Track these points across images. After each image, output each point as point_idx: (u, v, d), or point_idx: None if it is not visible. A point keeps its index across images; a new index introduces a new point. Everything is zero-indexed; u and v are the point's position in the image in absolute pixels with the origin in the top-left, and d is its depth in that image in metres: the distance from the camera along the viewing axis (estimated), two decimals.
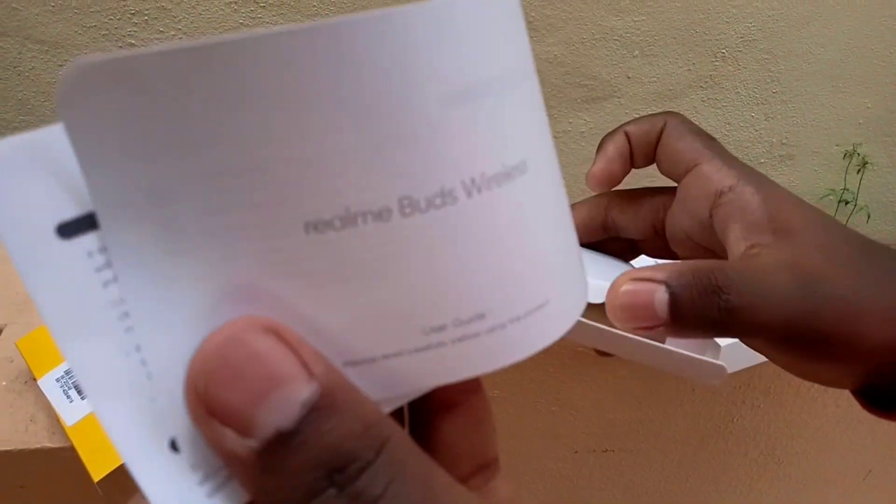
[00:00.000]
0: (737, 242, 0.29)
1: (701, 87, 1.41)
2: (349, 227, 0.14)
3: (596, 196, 0.36)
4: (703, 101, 1.43)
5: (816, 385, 0.67)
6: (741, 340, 0.31)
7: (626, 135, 0.35)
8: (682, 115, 0.35)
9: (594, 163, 0.35)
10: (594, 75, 1.36)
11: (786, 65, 1.41)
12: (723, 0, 1.30)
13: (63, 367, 0.45)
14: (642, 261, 0.39)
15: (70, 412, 0.42)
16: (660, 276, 0.27)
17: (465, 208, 0.14)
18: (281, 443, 0.13)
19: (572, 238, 0.19)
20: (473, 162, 0.15)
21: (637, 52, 1.34)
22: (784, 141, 1.53)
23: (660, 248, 0.37)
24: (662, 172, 0.34)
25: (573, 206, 0.36)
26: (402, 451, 0.14)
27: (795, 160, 1.57)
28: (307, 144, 0.13)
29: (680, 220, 0.33)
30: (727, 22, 1.32)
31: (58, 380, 0.44)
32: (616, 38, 1.32)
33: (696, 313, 0.27)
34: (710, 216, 0.31)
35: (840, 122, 1.52)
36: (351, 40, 0.14)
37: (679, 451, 0.71)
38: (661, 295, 0.26)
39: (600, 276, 0.31)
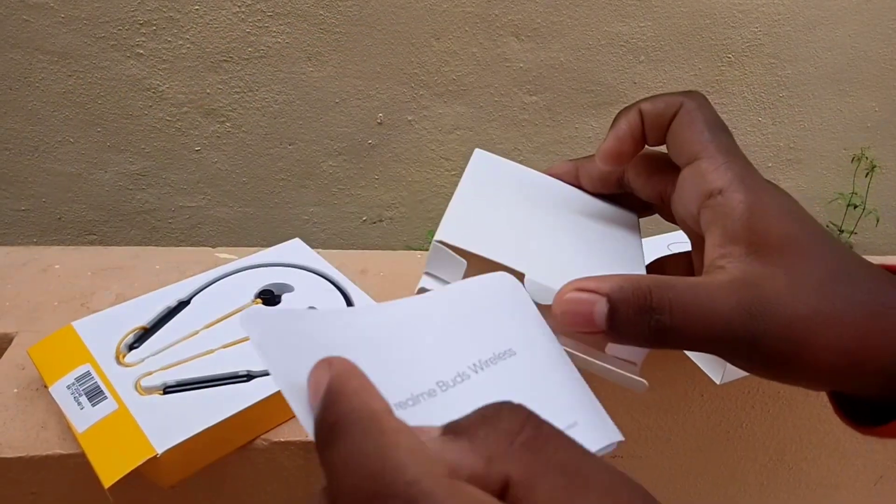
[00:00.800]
0: (711, 248, 0.30)
1: (707, 91, 1.40)
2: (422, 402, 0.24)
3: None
4: None
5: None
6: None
7: (641, 112, 0.34)
8: (702, 96, 0.33)
9: (605, 139, 0.35)
10: (600, 81, 1.36)
11: (792, 69, 1.41)
12: (729, 5, 1.30)
13: (74, 374, 0.44)
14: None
15: (81, 419, 0.41)
16: (604, 287, 0.28)
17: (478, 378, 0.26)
18: None
19: (582, 388, 0.28)
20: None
21: (643, 58, 1.34)
22: (791, 145, 1.52)
23: (668, 215, 0.36)
24: (671, 157, 0.34)
25: (591, 157, 0.36)
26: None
27: (803, 164, 1.56)
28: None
29: (678, 206, 0.33)
30: (733, 27, 1.32)
31: (69, 387, 0.43)
32: (622, 43, 1.32)
33: (631, 328, 0.28)
34: (699, 214, 0.31)
35: (847, 125, 1.52)
36: (441, 306, 0.28)
37: (688, 457, 0.71)
38: (601, 307, 0.28)
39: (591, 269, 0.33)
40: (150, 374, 0.43)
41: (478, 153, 0.39)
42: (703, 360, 0.56)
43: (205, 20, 1.19)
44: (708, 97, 0.32)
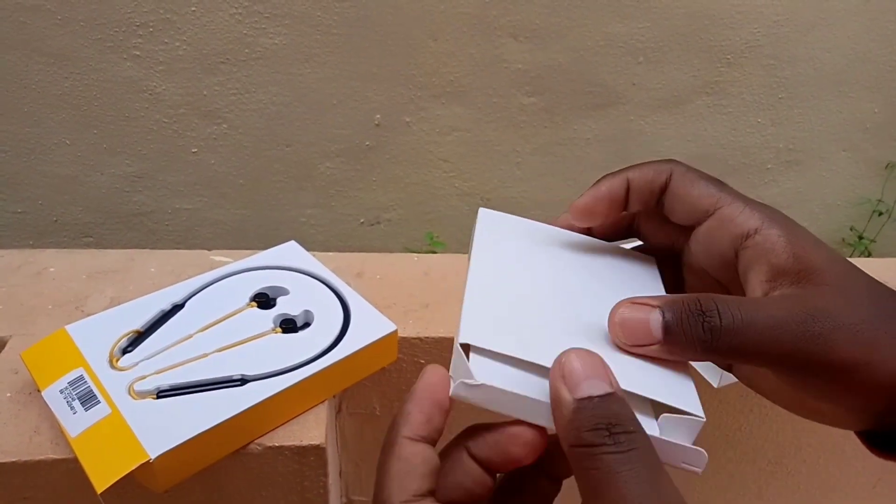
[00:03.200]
0: (758, 285, 0.31)
1: (707, 93, 1.40)
2: None
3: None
4: (708, 107, 1.42)
5: None
6: (742, 380, 0.34)
7: (627, 180, 0.34)
8: (684, 162, 0.35)
9: (582, 195, 0.36)
10: (599, 82, 1.36)
11: (791, 70, 1.41)
12: (728, 6, 1.29)
13: (67, 378, 0.44)
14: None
15: (74, 423, 0.41)
16: (654, 302, 0.30)
17: None
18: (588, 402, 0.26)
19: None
20: None
21: (642, 59, 1.34)
22: (791, 146, 1.52)
23: (671, 266, 0.37)
24: (674, 219, 0.34)
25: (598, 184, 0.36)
26: (647, 441, 0.26)
27: (802, 165, 1.56)
28: None
29: (701, 256, 0.34)
30: (732, 28, 1.32)
31: (62, 391, 0.43)
32: (621, 44, 1.32)
33: (685, 334, 0.29)
34: (736, 257, 0.32)
35: (847, 127, 1.51)
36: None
37: None
38: (655, 316, 0.29)
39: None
40: (143, 378, 0.43)
41: (483, 214, 0.38)
42: (701, 365, 0.56)
43: (202, 22, 1.19)
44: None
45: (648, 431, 0.27)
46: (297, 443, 0.44)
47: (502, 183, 1.43)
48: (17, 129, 1.25)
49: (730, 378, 0.49)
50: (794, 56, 1.39)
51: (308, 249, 0.65)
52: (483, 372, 0.29)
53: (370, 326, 0.50)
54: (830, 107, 1.48)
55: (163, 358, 0.44)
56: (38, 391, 0.46)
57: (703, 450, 0.29)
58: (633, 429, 0.25)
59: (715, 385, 0.51)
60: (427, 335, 0.54)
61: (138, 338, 0.46)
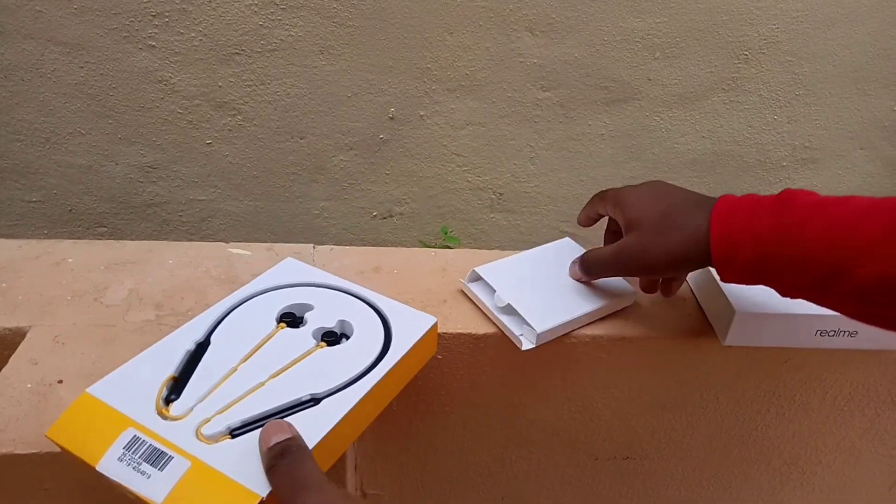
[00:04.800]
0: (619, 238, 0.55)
1: (723, 89, 1.39)
2: None
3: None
4: (724, 103, 1.41)
5: (843, 394, 0.66)
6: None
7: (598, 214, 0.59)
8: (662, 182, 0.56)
9: (582, 211, 0.60)
10: (615, 77, 1.35)
11: (809, 67, 1.39)
12: (746, 1, 1.28)
13: (119, 443, 0.39)
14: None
15: (154, 487, 0.37)
16: (579, 258, 0.58)
17: None
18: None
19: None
20: None
21: (658, 54, 1.33)
22: (807, 144, 1.51)
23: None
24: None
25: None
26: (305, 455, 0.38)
27: (819, 163, 1.55)
28: None
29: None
30: (750, 23, 1.31)
31: (120, 458, 0.38)
32: (637, 39, 1.31)
33: (580, 268, 0.58)
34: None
35: (865, 124, 1.50)
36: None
37: (700, 459, 0.71)
38: (575, 265, 0.58)
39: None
40: (207, 421, 0.41)
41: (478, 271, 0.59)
42: (714, 319, 0.57)
43: (217, 13, 1.19)
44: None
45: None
46: None
47: (516, 178, 1.42)
48: (32, 119, 1.25)
49: (735, 339, 0.57)
50: (813, 53, 1.37)
51: (320, 242, 0.65)
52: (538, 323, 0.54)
53: (412, 323, 0.50)
54: (848, 104, 1.46)
55: (217, 397, 0.42)
56: (59, 382, 0.46)
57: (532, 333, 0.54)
58: (293, 450, 0.37)
59: (722, 343, 0.58)
60: (444, 331, 0.54)
61: (176, 384, 0.43)
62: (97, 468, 0.38)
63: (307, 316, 0.50)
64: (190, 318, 0.48)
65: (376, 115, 1.34)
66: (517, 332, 0.55)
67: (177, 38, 1.20)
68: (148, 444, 0.39)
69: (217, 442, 0.40)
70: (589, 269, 0.57)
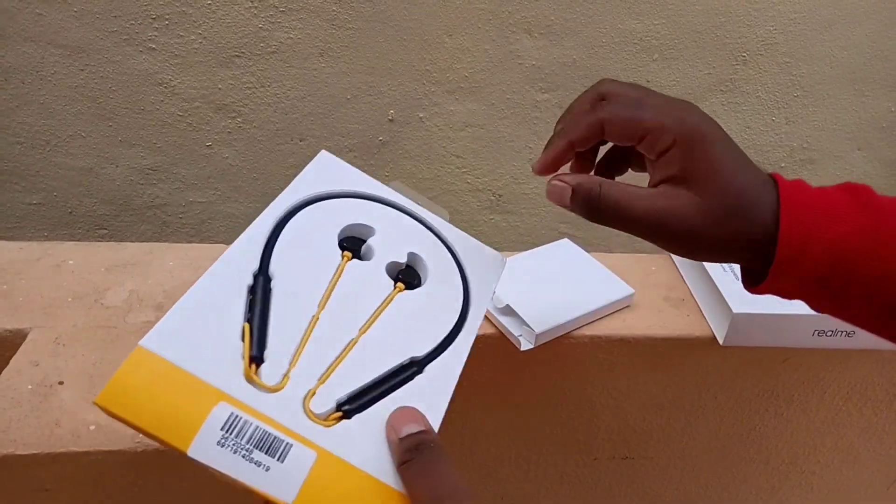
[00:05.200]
0: (655, 181, 0.42)
1: (721, 90, 1.39)
2: None
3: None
4: (723, 104, 1.41)
5: (841, 394, 0.66)
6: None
7: (571, 143, 0.44)
8: (613, 81, 0.45)
9: (538, 160, 0.45)
10: (614, 79, 1.35)
11: (807, 68, 1.39)
12: (744, 3, 1.29)
13: (211, 422, 0.31)
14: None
15: (280, 484, 0.30)
16: (570, 180, 0.42)
17: None
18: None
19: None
20: None
21: (657, 56, 1.34)
22: (805, 145, 1.51)
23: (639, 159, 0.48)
24: (618, 143, 0.46)
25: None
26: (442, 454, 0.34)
27: (817, 164, 1.55)
28: None
29: (643, 157, 0.44)
30: (748, 25, 1.31)
31: (221, 443, 0.30)
32: (635, 41, 1.31)
33: (579, 205, 0.41)
34: (658, 160, 0.42)
35: (862, 125, 1.50)
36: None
37: (699, 459, 0.71)
38: (567, 191, 0.41)
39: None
40: (312, 393, 0.34)
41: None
42: (712, 319, 0.57)
43: (217, 15, 1.19)
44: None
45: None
46: None
47: (515, 179, 1.43)
48: (32, 121, 1.25)
49: (734, 341, 0.55)
50: (811, 54, 1.38)
51: None
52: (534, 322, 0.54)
53: (486, 264, 0.45)
54: (846, 105, 1.47)
55: (311, 359, 0.35)
56: (60, 384, 0.46)
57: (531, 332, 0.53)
58: (432, 446, 0.34)
59: (720, 342, 0.56)
60: None
61: (252, 336, 0.34)
62: (190, 455, 0.30)
63: (371, 243, 0.42)
64: None
65: (376, 117, 1.34)
66: (516, 333, 0.55)
67: (177, 40, 1.20)
68: (253, 426, 0.31)
69: (333, 423, 0.33)
70: (598, 211, 0.41)
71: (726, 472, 0.74)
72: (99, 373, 0.47)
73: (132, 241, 0.64)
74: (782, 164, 1.53)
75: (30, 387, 0.47)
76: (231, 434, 0.31)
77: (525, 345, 0.54)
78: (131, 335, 0.52)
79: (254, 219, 0.41)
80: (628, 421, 0.66)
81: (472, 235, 0.49)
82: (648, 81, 1.37)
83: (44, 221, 1.38)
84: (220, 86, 1.26)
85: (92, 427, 0.44)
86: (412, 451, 0.33)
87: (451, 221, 0.48)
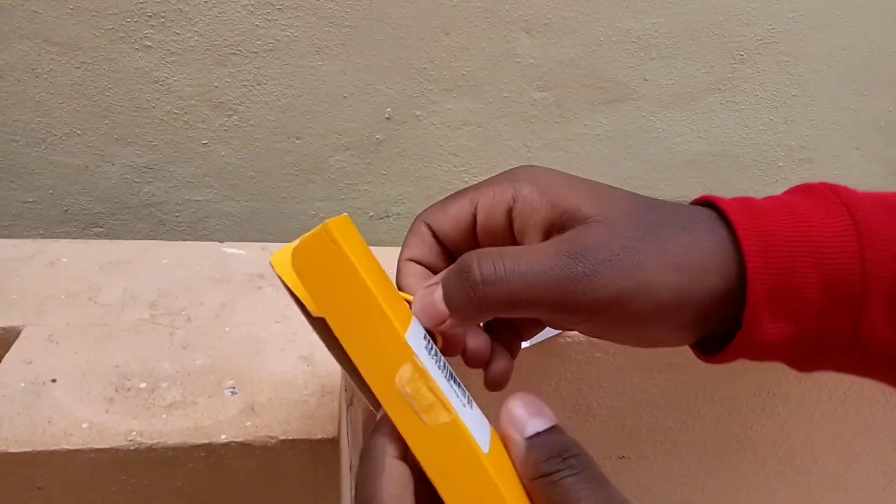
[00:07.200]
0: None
1: (719, 89, 1.39)
2: None
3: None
4: (720, 103, 1.41)
5: (837, 393, 0.66)
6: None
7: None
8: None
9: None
10: (611, 77, 1.35)
11: (806, 67, 1.39)
12: (742, 1, 1.29)
13: (416, 335, 0.27)
14: None
15: (478, 429, 0.28)
16: (439, 279, 0.30)
17: None
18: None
19: None
20: None
21: (654, 54, 1.33)
22: (803, 144, 1.51)
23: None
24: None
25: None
26: (591, 459, 0.27)
27: (815, 163, 1.55)
28: None
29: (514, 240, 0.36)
30: (746, 24, 1.31)
31: (434, 359, 0.28)
32: (633, 39, 1.31)
33: (455, 296, 0.29)
34: (512, 231, 0.33)
35: (861, 125, 1.50)
36: None
37: (696, 459, 0.71)
38: (438, 293, 0.29)
39: None
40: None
41: None
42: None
43: (213, 13, 1.19)
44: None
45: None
46: (310, 436, 0.44)
47: None
48: (28, 119, 1.25)
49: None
50: (809, 53, 1.38)
51: None
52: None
53: None
54: (844, 105, 1.47)
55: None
56: (52, 382, 0.46)
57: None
58: (578, 451, 0.27)
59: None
60: None
61: None
62: (405, 338, 0.27)
63: None
64: (185, 317, 0.48)
65: (372, 116, 1.34)
66: None
67: (173, 38, 1.20)
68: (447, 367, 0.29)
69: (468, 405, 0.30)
70: (478, 300, 0.28)
71: (723, 472, 0.74)
72: (92, 370, 0.47)
73: (128, 240, 0.63)
74: (780, 164, 1.53)
75: (22, 384, 0.47)
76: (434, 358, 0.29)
77: (521, 344, 0.54)
78: (125, 332, 0.52)
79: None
80: (624, 421, 0.66)
81: None
82: (646, 80, 1.37)
83: (39, 219, 1.38)
84: (216, 84, 1.26)
85: (85, 425, 0.44)
86: (555, 460, 0.26)
87: None
